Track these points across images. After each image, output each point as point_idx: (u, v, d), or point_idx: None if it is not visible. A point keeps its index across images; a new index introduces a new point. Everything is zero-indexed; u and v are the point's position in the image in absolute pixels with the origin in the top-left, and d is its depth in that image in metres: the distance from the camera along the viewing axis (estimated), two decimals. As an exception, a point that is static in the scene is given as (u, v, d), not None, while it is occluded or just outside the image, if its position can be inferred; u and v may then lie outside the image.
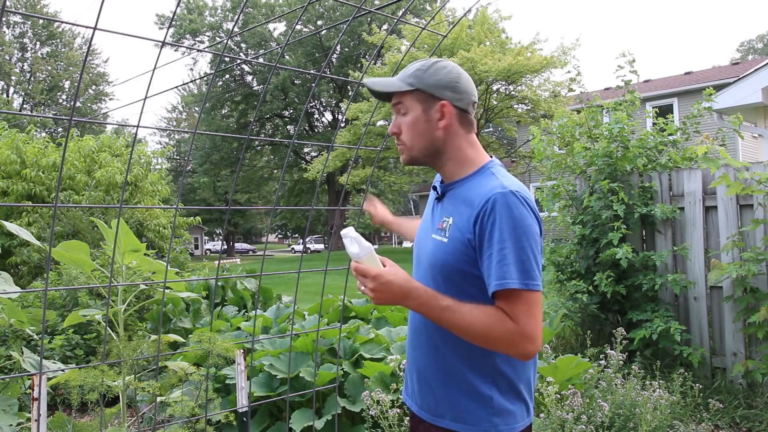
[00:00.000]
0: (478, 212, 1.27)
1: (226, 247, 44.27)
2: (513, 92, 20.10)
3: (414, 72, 1.39)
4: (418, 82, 1.38)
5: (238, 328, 4.35)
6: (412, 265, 1.52)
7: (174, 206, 3.23)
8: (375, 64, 25.63)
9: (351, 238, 1.28)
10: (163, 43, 1.96)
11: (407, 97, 1.39)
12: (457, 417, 1.35)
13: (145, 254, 2.96)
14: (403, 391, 1.57)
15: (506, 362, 1.34)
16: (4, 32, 35.85)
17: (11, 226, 2.79)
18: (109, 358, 2.49)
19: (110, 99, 40.73)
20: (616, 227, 4.26)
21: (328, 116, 38.18)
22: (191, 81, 37.89)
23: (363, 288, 1.26)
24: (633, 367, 3.31)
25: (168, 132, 47.69)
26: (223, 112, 37.30)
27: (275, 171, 36.77)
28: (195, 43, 34.79)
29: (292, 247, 53.37)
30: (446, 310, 1.24)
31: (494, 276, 1.23)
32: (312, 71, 3.73)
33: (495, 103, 20.94)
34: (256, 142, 34.09)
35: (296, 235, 59.16)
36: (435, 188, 1.48)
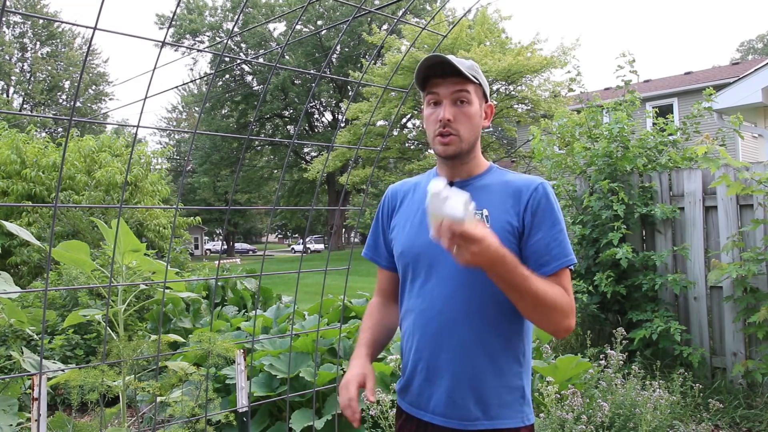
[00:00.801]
0: (527, 200, 1.36)
1: (226, 247, 44.28)
2: (513, 92, 20.11)
3: (472, 66, 1.40)
4: (480, 78, 1.41)
5: (238, 328, 4.35)
6: (413, 273, 1.43)
7: (174, 206, 3.23)
8: (375, 64, 25.63)
9: (454, 198, 1.14)
10: (163, 43, 1.96)
11: (472, 88, 1.38)
12: (497, 414, 1.34)
13: (145, 254, 2.95)
14: (410, 404, 1.45)
15: (526, 349, 1.41)
16: (4, 32, 35.86)
17: (11, 226, 2.79)
18: (109, 358, 2.49)
19: (110, 99, 40.76)
20: (616, 227, 4.26)
21: (328, 116, 38.21)
22: (191, 81, 37.91)
23: (461, 251, 1.14)
24: (633, 367, 3.31)
25: (168, 132, 47.69)
26: (223, 112, 37.31)
27: (275, 171, 36.77)
28: (195, 43, 34.80)
29: (292, 247, 53.34)
30: (528, 279, 1.22)
31: (556, 255, 1.33)
32: (312, 71, 3.73)
33: (495, 103, 20.93)
34: (256, 142, 34.09)
35: (296, 235, 59.14)
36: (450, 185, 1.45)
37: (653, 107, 6.12)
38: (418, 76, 1.39)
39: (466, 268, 1.25)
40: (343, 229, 38.98)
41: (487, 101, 1.45)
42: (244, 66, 33.74)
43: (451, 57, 1.37)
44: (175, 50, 35.66)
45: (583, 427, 2.72)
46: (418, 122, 25.36)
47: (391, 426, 2.70)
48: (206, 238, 49.41)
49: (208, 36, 35.80)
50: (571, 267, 1.36)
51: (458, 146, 1.39)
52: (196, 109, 41.08)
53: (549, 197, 1.37)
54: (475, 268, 1.18)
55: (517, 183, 1.40)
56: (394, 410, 2.66)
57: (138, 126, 2.05)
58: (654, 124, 5.01)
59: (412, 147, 24.62)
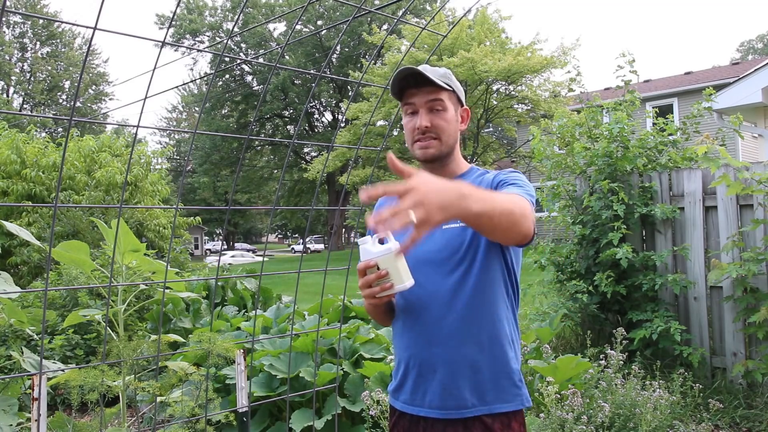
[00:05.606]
0: (492, 179, 1.43)
1: (226, 247, 44.26)
2: (513, 92, 20.11)
3: (444, 74, 1.45)
4: (453, 85, 1.46)
5: (238, 328, 4.35)
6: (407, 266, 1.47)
7: (174, 206, 3.23)
8: (375, 64, 25.63)
9: (379, 237, 1.24)
10: (163, 43, 1.96)
11: (446, 96, 1.44)
12: (495, 399, 1.37)
13: (145, 254, 2.95)
14: (404, 402, 1.46)
15: (515, 334, 1.44)
16: (4, 32, 35.84)
17: (11, 226, 2.79)
18: (109, 358, 2.49)
19: (110, 99, 40.77)
20: (616, 227, 4.26)
21: (328, 116, 38.20)
22: (191, 81, 37.89)
23: (405, 211, 0.96)
24: (633, 367, 3.31)
25: (168, 132, 47.68)
26: (223, 112, 37.29)
27: (275, 171, 36.76)
28: (195, 43, 34.79)
29: (292, 247, 53.33)
30: (494, 193, 1.20)
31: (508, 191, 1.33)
32: (312, 71, 3.73)
33: (495, 103, 20.93)
34: (256, 142, 34.08)
35: (296, 235, 59.13)
36: None
37: (653, 107, 6.12)
38: (393, 88, 1.44)
39: (444, 268, 1.36)
40: (343, 229, 38.97)
41: (462, 105, 1.51)
42: (244, 66, 33.74)
43: (424, 67, 1.42)
44: (175, 50, 35.68)
45: (584, 427, 2.72)
46: (418, 122, 25.09)
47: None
48: (206, 238, 49.39)
49: (208, 36, 35.78)
50: (531, 201, 1.30)
51: (438, 149, 1.44)
52: (196, 109, 41.06)
53: (511, 173, 1.42)
54: (435, 213, 0.97)
55: (488, 176, 1.47)
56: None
57: (138, 126, 2.05)
58: (654, 124, 5.01)
59: (412, 147, 24.47)
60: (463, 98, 1.50)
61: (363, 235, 1.56)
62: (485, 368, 1.37)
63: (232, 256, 31.50)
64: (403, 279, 1.26)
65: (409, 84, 1.43)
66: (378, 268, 1.25)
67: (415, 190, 0.97)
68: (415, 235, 0.99)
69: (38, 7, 36.49)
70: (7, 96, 37.22)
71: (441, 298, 1.38)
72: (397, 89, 1.45)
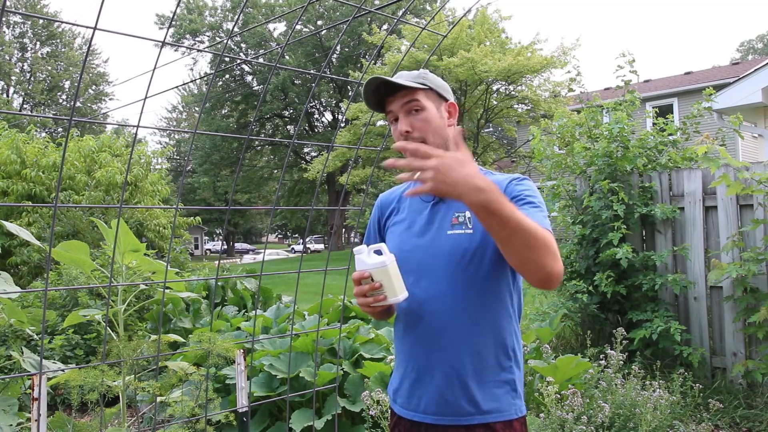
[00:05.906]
0: (505, 188, 1.38)
1: (226, 247, 44.28)
2: (513, 92, 20.09)
3: (419, 74, 1.44)
4: (429, 82, 1.44)
5: (238, 328, 4.35)
6: (403, 276, 1.40)
7: (174, 206, 3.24)
8: (375, 64, 25.63)
9: (374, 248, 1.30)
10: (163, 43, 1.96)
11: (422, 95, 1.41)
12: (490, 408, 1.36)
13: (145, 254, 2.96)
14: (401, 407, 1.46)
15: (516, 344, 1.42)
16: (4, 32, 35.84)
17: (11, 226, 2.79)
18: (109, 358, 2.49)
19: (110, 99, 40.74)
20: (616, 227, 4.26)
21: (328, 116, 38.17)
22: (191, 81, 37.87)
23: (422, 171, 1.07)
24: (633, 367, 3.31)
25: (168, 132, 47.69)
26: (223, 112, 37.26)
27: (275, 171, 36.75)
28: (195, 43, 34.78)
29: (292, 247, 53.33)
30: (517, 211, 1.12)
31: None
32: (312, 71, 3.73)
33: (495, 103, 20.92)
34: (256, 142, 34.07)
35: (296, 235, 59.14)
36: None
37: (653, 107, 6.12)
38: (369, 102, 1.44)
39: (446, 275, 1.34)
40: (343, 229, 38.97)
41: (447, 101, 1.47)
42: (244, 66, 33.73)
43: (399, 74, 1.43)
44: (175, 50, 35.68)
45: (584, 427, 2.72)
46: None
47: (391, 426, 2.69)
48: (206, 238, 49.37)
49: (208, 36, 35.76)
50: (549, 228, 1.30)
51: None
52: (196, 109, 41.06)
53: (522, 184, 1.39)
54: (447, 184, 1.06)
55: (497, 182, 1.39)
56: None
57: (138, 126, 2.05)
58: (654, 124, 5.01)
59: (412, 147, 24.39)
60: (445, 94, 1.46)
61: (363, 236, 1.57)
62: (483, 377, 1.36)
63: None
64: (397, 292, 1.27)
65: (383, 93, 1.42)
66: (372, 280, 1.26)
67: (440, 158, 1.07)
68: (419, 188, 1.08)
69: (38, 7, 36.47)
70: (7, 96, 37.21)
71: (443, 305, 1.37)
72: (373, 103, 1.44)
